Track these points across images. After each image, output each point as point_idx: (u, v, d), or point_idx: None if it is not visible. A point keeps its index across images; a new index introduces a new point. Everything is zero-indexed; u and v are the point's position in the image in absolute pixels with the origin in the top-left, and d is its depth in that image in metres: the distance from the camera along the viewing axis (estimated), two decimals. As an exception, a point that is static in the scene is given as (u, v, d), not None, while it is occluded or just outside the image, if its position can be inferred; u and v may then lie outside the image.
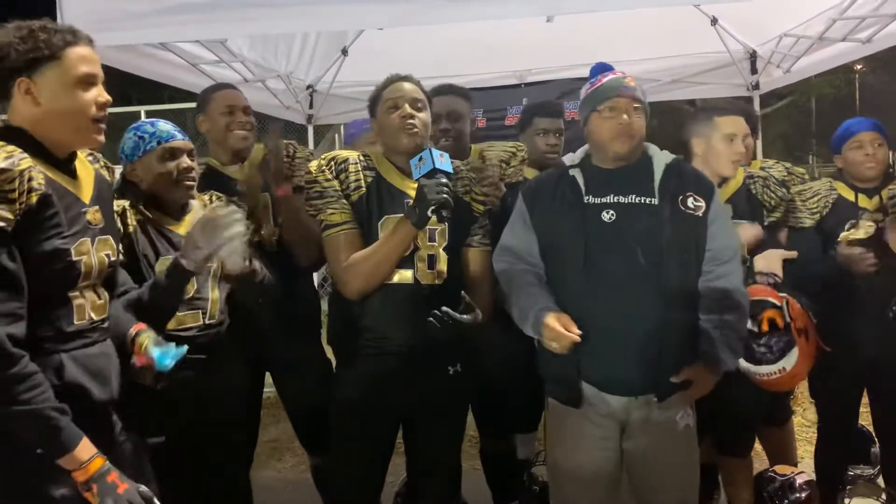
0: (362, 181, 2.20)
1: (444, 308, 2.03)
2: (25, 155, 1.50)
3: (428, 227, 2.16)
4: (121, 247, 1.85)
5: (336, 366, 2.30)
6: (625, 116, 2.10)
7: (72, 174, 1.64)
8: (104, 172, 1.80)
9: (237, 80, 3.87)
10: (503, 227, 2.31)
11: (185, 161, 2.21)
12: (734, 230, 2.19)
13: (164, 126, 2.23)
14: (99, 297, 1.69)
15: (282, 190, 2.46)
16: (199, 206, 2.28)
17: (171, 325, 2.06)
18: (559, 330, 1.99)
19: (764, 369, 2.38)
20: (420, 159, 2.08)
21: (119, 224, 1.94)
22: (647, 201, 2.10)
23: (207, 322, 2.21)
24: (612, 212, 2.10)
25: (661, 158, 2.17)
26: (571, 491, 2.21)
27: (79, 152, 1.70)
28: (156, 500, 1.60)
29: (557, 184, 2.20)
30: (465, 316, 2.07)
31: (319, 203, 2.19)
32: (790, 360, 2.36)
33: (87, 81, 1.60)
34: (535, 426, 3.22)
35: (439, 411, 2.26)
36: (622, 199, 2.11)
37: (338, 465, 2.33)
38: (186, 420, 2.11)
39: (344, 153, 2.26)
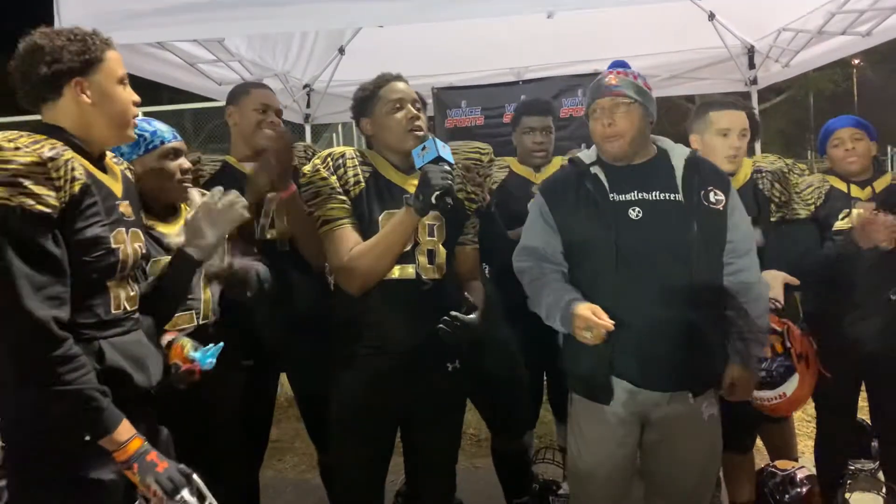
0: (360, 176, 2.20)
1: (453, 312, 2.04)
2: (68, 147, 1.58)
3: (427, 221, 2.17)
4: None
5: (336, 364, 2.30)
6: (605, 119, 2.11)
7: (103, 171, 1.73)
8: (128, 173, 1.88)
9: (234, 80, 3.87)
10: (489, 228, 2.30)
11: (186, 161, 2.21)
12: (749, 220, 2.20)
13: (162, 126, 2.22)
14: (132, 289, 1.76)
15: (286, 192, 2.46)
16: (185, 208, 2.27)
17: (165, 326, 2.06)
18: (592, 318, 1.96)
19: (765, 394, 2.41)
20: (423, 148, 2.09)
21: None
22: (672, 197, 2.09)
23: (201, 322, 2.20)
24: (637, 209, 2.09)
25: (678, 153, 2.17)
26: (590, 485, 2.22)
27: (108, 153, 1.78)
28: (195, 477, 1.64)
29: (579, 182, 2.18)
30: (470, 316, 2.08)
31: (318, 200, 2.18)
32: (790, 386, 2.40)
33: (124, 82, 1.73)
34: (532, 423, 3.22)
35: (438, 408, 2.26)
36: (646, 196, 2.10)
37: (339, 464, 2.33)
38: (189, 421, 2.10)
39: (340, 149, 2.25)
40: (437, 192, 2.00)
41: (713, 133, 2.61)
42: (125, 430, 1.58)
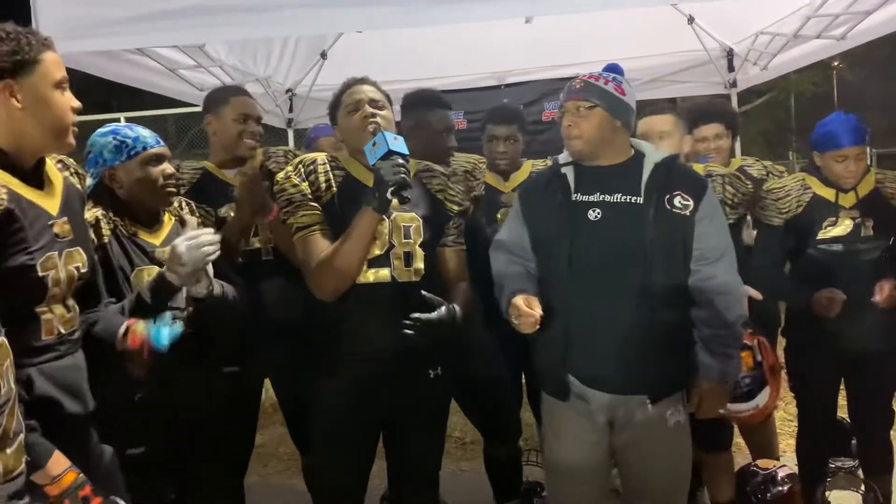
0: (332, 181, 2.19)
1: (414, 315, 2.04)
2: None
3: (403, 223, 2.16)
4: (95, 257, 1.83)
5: (317, 369, 2.29)
6: (566, 121, 2.16)
7: (39, 185, 1.61)
8: (74, 180, 1.78)
9: (215, 85, 3.85)
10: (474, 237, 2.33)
11: (169, 167, 2.18)
12: (727, 228, 2.20)
13: (144, 131, 2.20)
14: (68, 311, 1.67)
15: (269, 217, 2.47)
16: (169, 217, 2.26)
17: None
18: (521, 307, 2.01)
19: (739, 407, 2.47)
20: (374, 144, 2.06)
21: (92, 234, 1.90)
22: (633, 200, 2.11)
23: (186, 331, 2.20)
24: (598, 210, 2.12)
25: (651, 157, 2.18)
26: (564, 482, 2.24)
27: (47, 160, 1.67)
28: None
29: (550, 181, 2.23)
30: (433, 315, 2.06)
31: (290, 208, 2.17)
32: (763, 398, 2.47)
33: (62, 86, 1.60)
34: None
35: (420, 414, 2.25)
36: (608, 198, 2.12)
37: (321, 469, 2.32)
38: (170, 429, 2.08)
39: (311, 155, 2.25)
40: (392, 188, 2.00)
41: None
42: (57, 463, 1.49)
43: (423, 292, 2.10)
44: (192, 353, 2.16)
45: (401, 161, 2.03)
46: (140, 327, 1.79)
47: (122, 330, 1.81)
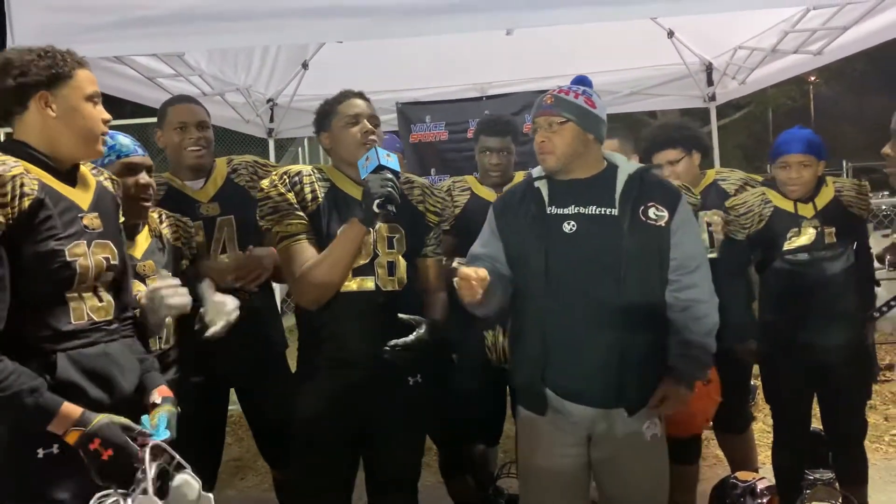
0: (318, 192, 2.21)
1: (391, 342, 2.08)
2: (19, 163, 1.62)
3: (386, 234, 2.19)
4: (128, 259, 1.92)
5: (297, 378, 2.28)
6: (539, 137, 2.16)
7: (72, 183, 1.75)
8: (107, 184, 1.88)
9: (195, 94, 3.82)
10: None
11: (144, 178, 2.19)
12: (701, 239, 2.23)
13: (124, 140, 2.20)
14: (100, 300, 1.75)
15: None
16: (149, 232, 2.27)
17: None
18: (463, 270, 1.98)
19: None
20: (366, 159, 2.11)
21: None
22: (607, 212, 2.12)
23: (163, 347, 2.22)
24: (572, 223, 2.12)
25: (625, 168, 2.20)
26: (540, 496, 2.22)
27: (82, 165, 1.81)
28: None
29: (524, 195, 2.23)
30: (410, 338, 2.10)
31: (275, 217, 2.18)
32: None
33: (94, 99, 1.76)
34: (497, 438, 3.22)
35: (399, 422, 2.25)
36: (583, 210, 2.13)
37: (301, 479, 2.30)
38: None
39: (296, 167, 2.27)
40: (378, 200, 2.03)
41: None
42: (70, 407, 1.58)
43: (400, 315, 2.13)
44: (166, 369, 2.15)
45: (389, 175, 2.07)
46: (156, 419, 1.76)
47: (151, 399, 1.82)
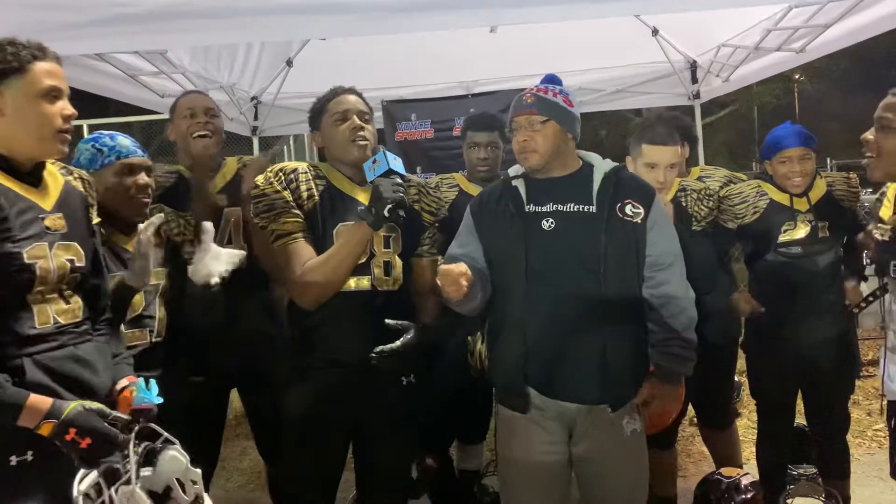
0: (314, 190, 2.20)
1: (378, 348, 2.10)
2: None
3: (382, 234, 2.19)
4: (103, 259, 1.88)
5: (291, 377, 2.27)
6: (520, 136, 2.16)
7: (34, 183, 1.68)
8: (76, 184, 1.82)
9: (178, 92, 3.79)
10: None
11: (143, 178, 2.20)
12: (675, 235, 2.23)
13: (124, 141, 2.22)
14: (67, 302, 1.70)
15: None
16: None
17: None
18: (446, 267, 1.96)
19: None
20: (374, 161, 2.12)
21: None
22: (585, 209, 2.13)
23: (154, 340, 2.22)
24: (551, 220, 2.13)
25: (600, 167, 2.21)
26: (522, 495, 2.22)
27: (49, 165, 1.74)
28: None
29: (501, 195, 2.24)
30: (397, 344, 2.12)
31: (270, 214, 2.17)
32: None
33: (52, 95, 1.66)
34: (482, 436, 3.22)
35: (391, 422, 2.25)
36: (561, 208, 2.14)
37: (290, 477, 2.30)
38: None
39: (292, 164, 2.26)
40: (390, 205, 2.04)
41: (641, 164, 2.69)
42: (39, 399, 1.54)
43: (388, 321, 2.14)
44: (157, 363, 2.14)
45: (399, 180, 2.09)
46: (136, 391, 1.75)
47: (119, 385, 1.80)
